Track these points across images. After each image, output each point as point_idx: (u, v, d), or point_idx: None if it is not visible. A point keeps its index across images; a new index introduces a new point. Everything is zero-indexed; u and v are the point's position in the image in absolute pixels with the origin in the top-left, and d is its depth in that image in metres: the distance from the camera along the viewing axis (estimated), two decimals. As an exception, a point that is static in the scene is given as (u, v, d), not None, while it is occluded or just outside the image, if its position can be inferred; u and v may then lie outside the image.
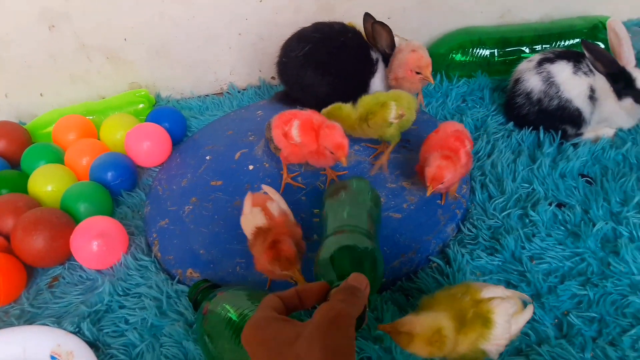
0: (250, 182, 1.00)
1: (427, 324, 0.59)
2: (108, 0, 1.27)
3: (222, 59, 1.40)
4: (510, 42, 1.24)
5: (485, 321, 0.61)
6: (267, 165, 1.01)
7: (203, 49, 1.38)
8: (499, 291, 0.66)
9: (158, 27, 1.33)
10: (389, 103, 0.95)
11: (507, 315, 0.63)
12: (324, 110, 0.98)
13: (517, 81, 1.08)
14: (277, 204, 0.81)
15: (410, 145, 1.05)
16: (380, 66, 1.14)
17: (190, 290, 0.81)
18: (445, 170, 0.83)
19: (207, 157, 1.11)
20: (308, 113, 0.91)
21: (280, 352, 0.43)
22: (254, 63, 1.41)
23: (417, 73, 1.06)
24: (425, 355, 0.59)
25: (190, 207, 1.00)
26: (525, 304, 0.68)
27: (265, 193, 0.84)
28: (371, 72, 1.13)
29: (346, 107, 0.99)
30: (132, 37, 1.34)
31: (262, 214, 0.77)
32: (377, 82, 1.14)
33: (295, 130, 0.89)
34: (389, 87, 1.16)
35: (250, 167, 1.03)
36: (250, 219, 0.78)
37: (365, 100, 0.98)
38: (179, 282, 0.90)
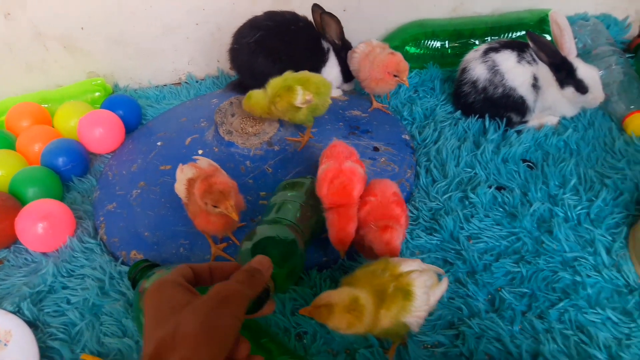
0: (199, 166, 1.02)
1: (344, 294, 0.61)
2: (64, -12, 1.28)
3: (180, 49, 1.41)
4: (463, 35, 1.28)
5: (406, 294, 0.63)
6: (216, 149, 1.03)
7: (161, 39, 1.39)
8: (415, 265, 0.67)
9: (116, 17, 1.34)
10: (294, 87, 0.95)
11: (425, 287, 0.64)
12: (243, 103, 1.01)
13: (464, 70, 1.11)
14: (207, 161, 0.81)
15: (359, 132, 1.08)
16: (332, 56, 1.16)
17: (130, 270, 0.82)
18: (396, 241, 0.74)
19: (158, 143, 1.12)
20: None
21: (165, 317, 0.44)
22: (212, 53, 1.42)
23: (395, 76, 1.07)
24: (345, 326, 0.59)
25: (138, 191, 1.01)
26: (440, 278, 0.70)
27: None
28: (322, 61, 1.16)
29: (255, 94, 0.99)
30: (90, 26, 1.35)
31: (192, 168, 0.79)
32: (328, 70, 1.17)
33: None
34: (343, 77, 1.20)
35: (200, 152, 1.04)
36: (181, 176, 0.79)
37: (273, 83, 0.98)
38: (122, 263, 0.91)
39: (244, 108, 1.01)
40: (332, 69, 1.17)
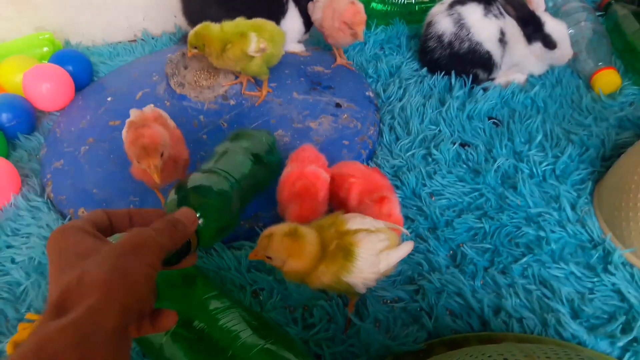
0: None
1: (284, 225, 0.58)
2: None
3: (135, 3, 1.34)
4: (431, -10, 1.24)
5: (347, 254, 0.59)
6: (167, 103, 0.98)
7: (112, -7, 1.32)
8: (367, 222, 0.62)
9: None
10: (248, 34, 0.89)
11: (373, 249, 0.60)
12: (192, 31, 0.91)
13: (429, 24, 1.08)
14: (155, 110, 0.77)
15: (321, 88, 1.04)
16: (291, 6, 1.11)
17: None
18: (396, 209, 0.70)
19: (108, 99, 1.06)
20: None
21: (70, 263, 0.40)
22: (169, 8, 1.36)
23: (350, 28, 1.00)
24: (285, 252, 0.56)
25: (87, 147, 0.96)
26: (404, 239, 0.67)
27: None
28: (281, 12, 1.11)
29: (215, 28, 0.91)
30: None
31: (137, 112, 0.75)
32: (288, 22, 1.12)
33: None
34: (305, 29, 1.15)
35: (165, 105, 0.99)
36: (127, 121, 0.74)
37: (226, 27, 0.91)
38: (70, 220, 0.86)
39: (190, 40, 0.91)
40: (292, 20, 1.12)
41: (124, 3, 1.34)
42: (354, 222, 0.62)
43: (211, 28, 0.90)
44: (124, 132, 0.73)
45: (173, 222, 0.47)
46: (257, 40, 0.89)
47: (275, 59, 0.95)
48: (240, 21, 0.93)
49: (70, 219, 0.86)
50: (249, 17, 0.97)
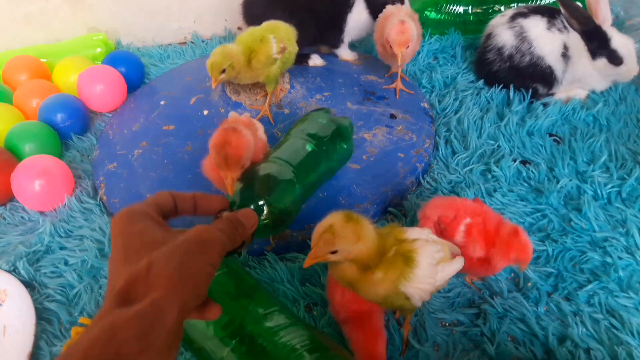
0: (204, 127, 0.97)
1: (335, 214, 0.55)
2: None
3: (186, 6, 1.35)
4: (487, 0, 1.21)
5: (406, 259, 0.57)
6: (222, 110, 0.98)
7: (166, -5, 1.32)
8: (424, 233, 0.61)
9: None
10: (267, 37, 0.90)
11: (432, 258, 0.59)
12: (214, 57, 0.89)
13: (489, 36, 1.05)
14: (247, 116, 0.76)
15: (375, 98, 1.02)
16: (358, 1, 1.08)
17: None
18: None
19: (162, 103, 1.07)
20: None
21: (136, 251, 0.42)
22: (220, 11, 1.36)
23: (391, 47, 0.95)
24: (355, 239, 0.54)
25: (140, 151, 0.96)
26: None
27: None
28: (347, 6, 1.07)
29: (232, 45, 0.91)
30: (92, -22, 1.28)
31: (236, 115, 0.74)
32: (355, 17, 1.08)
33: None
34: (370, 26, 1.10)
35: (205, 112, 0.99)
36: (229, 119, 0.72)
37: (242, 39, 0.91)
38: (123, 225, 0.86)
39: (216, 64, 0.89)
40: (359, 15, 1.08)
41: (175, 5, 1.35)
42: (413, 232, 0.60)
43: (229, 46, 0.91)
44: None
45: (235, 224, 0.49)
46: (277, 40, 0.90)
47: (293, 57, 0.96)
48: (252, 29, 0.93)
49: (123, 223, 0.86)
50: (314, 16, 0.95)
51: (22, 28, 1.35)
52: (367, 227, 0.55)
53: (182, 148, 0.94)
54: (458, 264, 0.62)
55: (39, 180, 0.89)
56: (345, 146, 0.81)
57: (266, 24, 0.93)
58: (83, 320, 0.73)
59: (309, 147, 0.75)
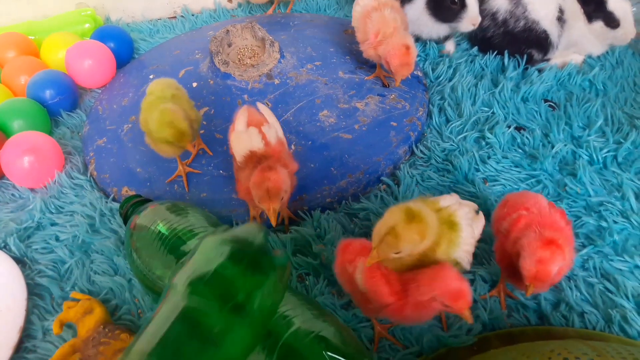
0: (193, 99, 0.94)
1: (394, 212, 0.54)
2: None
3: (176, -21, 1.32)
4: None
5: (451, 225, 0.58)
6: (211, 82, 0.96)
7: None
8: (454, 199, 0.62)
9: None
10: None
11: (468, 218, 0.60)
12: None
13: (483, 1, 1.02)
14: (275, 129, 0.73)
15: (368, 67, 1.00)
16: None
17: (121, 205, 0.77)
18: (551, 263, 0.56)
19: (151, 77, 1.05)
20: None
21: None
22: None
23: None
24: (420, 240, 0.53)
25: (130, 125, 0.95)
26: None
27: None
28: None
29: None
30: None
31: (260, 137, 0.70)
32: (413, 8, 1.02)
33: None
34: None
35: (194, 85, 0.97)
36: (245, 139, 0.70)
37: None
38: (113, 200, 0.85)
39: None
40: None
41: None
42: (444, 200, 0.61)
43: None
44: (238, 147, 0.71)
45: None
46: None
47: None
48: None
49: (113, 198, 0.85)
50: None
51: (9, 4, 1.32)
52: (431, 221, 0.54)
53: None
54: (482, 219, 0.64)
55: (28, 157, 0.88)
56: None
57: None
58: (75, 294, 0.72)
59: None
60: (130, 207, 0.75)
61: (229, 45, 0.99)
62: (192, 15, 1.35)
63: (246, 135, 0.71)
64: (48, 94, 1.03)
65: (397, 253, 0.54)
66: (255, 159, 0.68)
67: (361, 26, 0.91)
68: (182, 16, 1.35)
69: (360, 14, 0.91)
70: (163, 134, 0.73)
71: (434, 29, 1.03)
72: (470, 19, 0.97)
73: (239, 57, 0.97)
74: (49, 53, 1.15)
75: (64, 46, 1.14)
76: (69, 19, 1.27)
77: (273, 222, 0.65)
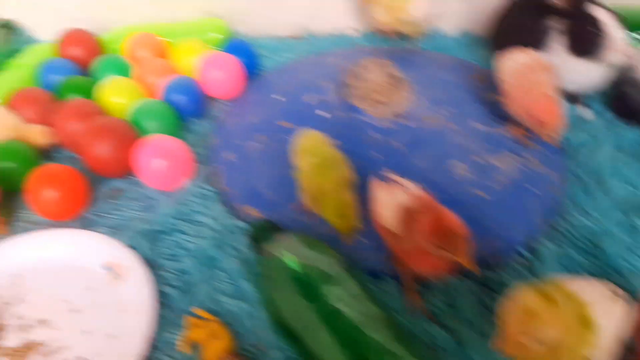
0: (322, 129, 0.94)
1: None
2: None
3: (305, 1, 1.33)
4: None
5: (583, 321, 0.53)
6: (340, 113, 0.96)
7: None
8: (595, 288, 0.57)
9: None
10: None
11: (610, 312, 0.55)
12: None
13: (630, 69, 0.97)
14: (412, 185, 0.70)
15: (506, 122, 0.97)
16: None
17: (251, 229, 0.77)
18: None
19: (279, 97, 1.06)
20: None
21: None
22: (335, 9, 1.34)
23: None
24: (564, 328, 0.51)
25: (258, 144, 0.96)
26: None
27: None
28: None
29: None
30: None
31: (405, 193, 0.68)
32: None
33: None
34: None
35: (322, 113, 0.97)
36: (387, 201, 0.68)
37: None
38: (239, 217, 0.86)
39: None
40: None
41: (295, -1, 1.34)
42: (582, 286, 0.57)
43: None
44: (384, 211, 0.69)
45: None
46: None
47: None
48: None
49: (239, 215, 0.86)
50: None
51: (144, 5, 1.37)
52: (575, 306, 0.52)
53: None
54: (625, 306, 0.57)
55: (161, 160, 0.90)
56: None
57: None
58: (197, 311, 0.73)
59: None
60: (260, 232, 0.75)
61: (362, 79, 0.99)
62: (315, 38, 1.36)
63: (386, 195, 0.69)
64: (181, 99, 1.06)
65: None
66: (412, 214, 0.64)
67: (511, 82, 0.89)
68: (307, 37, 1.37)
69: (513, 70, 0.89)
70: (334, 220, 0.72)
71: (580, 72, 0.97)
72: (617, 47, 0.91)
73: (370, 92, 0.96)
74: (180, 57, 1.18)
75: (194, 53, 1.17)
76: (199, 27, 1.30)
77: (476, 271, 0.61)
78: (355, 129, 0.94)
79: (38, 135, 0.99)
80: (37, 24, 1.45)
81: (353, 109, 0.96)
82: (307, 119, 0.97)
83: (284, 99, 1.04)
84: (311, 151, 0.76)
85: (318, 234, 0.73)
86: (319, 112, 0.97)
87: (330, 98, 0.99)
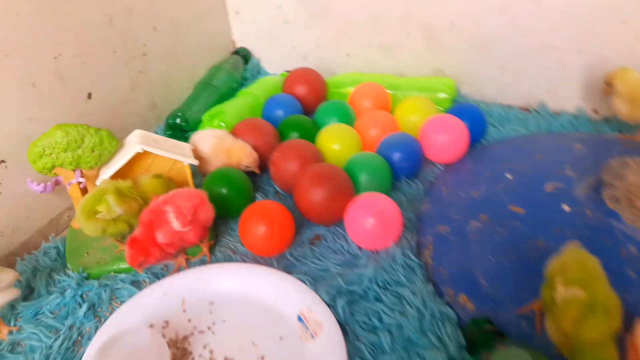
0: (562, 225, 0.83)
1: None
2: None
3: (544, 72, 1.23)
4: None
5: None
6: (589, 213, 0.83)
7: (527, 57, 1.22)
8: None
9: (491, 19, 1.21)
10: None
11: None
12: None
13: None
14: None
15: None
16: None
17: (469, 326, 0.69)
18: None
19: (508, 175, 0.96)
20: None
21: None
22: (576, 86, 1.21)
23: None
24: None
25: (479, 224, 0.87)
26: None
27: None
28: None
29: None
30: (459, 23, 1.25)
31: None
32: None
33: None
34: None
35: (566, 208, 0.85)
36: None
37: None
38: (447, 303, 0.78)
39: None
40: None
41: (532, 69, 1.24)
42: None
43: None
44: None
45: None
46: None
47: None
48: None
49: (447, 301, 0.78)
50: None
51: (375, 54, 1.40)
52: None
53: (531, 240, 0.82)
54: None
55: (372, 219, 0.86)
56: None
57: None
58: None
59: None
60: (479, 334, 0.66)
61: (620, 179, 0.85)
62: (550, 114, 1.24)
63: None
64: (396, 156, 1.02)
65: None
66: None
67: None
68: (536, 111, 1.26)
69: None
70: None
71: None
72: None
73: (633, 197, 0.82)
74: (404, 113, 1.16)
75: (418, 111, 1.14)
76: (428, 84, 1.27)
77: None
78: (607, 235, 0.80)
79: (243, 155, 1.03)
80: (271, 57, 1.57)
81: (610, 213, 0.82)
82: (544, 210, 0.87)
83: (513, 178, 0.95)
84: (579, 281, 0.61)
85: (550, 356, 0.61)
86: (565, 207, 0.85)
87: (577, 192, 0.87)
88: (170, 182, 0.90)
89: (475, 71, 1.31)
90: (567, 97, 1.24)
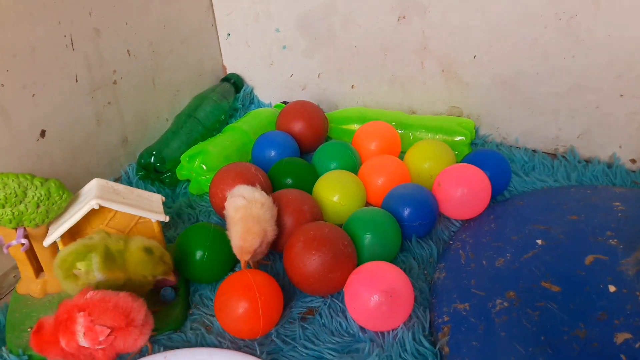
0: (608, 310, 0.72)
1: None
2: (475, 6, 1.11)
3: (577, 115, 1.14)
4: None
5: None
6: (638, 295, 0.73)
7: (559, 97, 1.14)
8: None
9: (518, 55, 1.13)
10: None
11: None
12: None
13: None
14: None
15: None
16: None
17: None
18: None
19: (538, 241, 0.86)
20: None
21: None
22: (616, 133, 1.12)
23: None
24: None
25: (505, 303, 0.77)
26: None
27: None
28: None
29: None
30: (483, 57, 1.17)
31: None
32: None
33: None
34: None
35: (611, 289, 0.75)
36: None
37: None
38: (468, 407, 0.67)
39: None
40: None
41: (564, 111, 1.15)
42: None
43: None
44: None
45: None
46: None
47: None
48: None
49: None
50: None
51: (383, 86, 1.32)
52: None
53: (568, 328, 0.71)
54: None
55: (378, 297, 0.75)
56: None
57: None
58: None
59: None
60: None
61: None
62: (579, 161, 1.15)
63: None
64: (407, 212, 0.93)
65: None
66: None
67: None
68: (564, 157, 1.17)
69: None
70: None
71: None
72: None
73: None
74: (416, 158, 1.07)
75: (432, 157, 1.05)
76: (444, 125, 1.18)
77: None
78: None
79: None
80: (266, 85, 1.49)
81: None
82: (584, 289, 0.76)
83: (545, 244, 0.85)
84: None
85: None
86: (611, 287, 0.75)
87: (625, 269, 0.77)
88: (161, 264, 0.77)
89: (498, 111, 1.22)
90: (601, 143, 1.15)
